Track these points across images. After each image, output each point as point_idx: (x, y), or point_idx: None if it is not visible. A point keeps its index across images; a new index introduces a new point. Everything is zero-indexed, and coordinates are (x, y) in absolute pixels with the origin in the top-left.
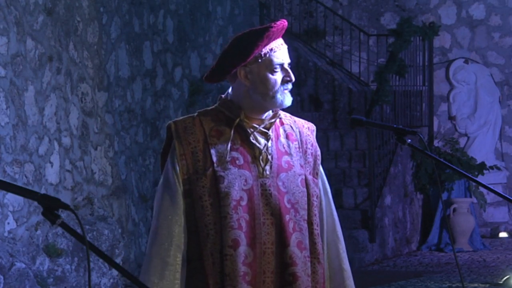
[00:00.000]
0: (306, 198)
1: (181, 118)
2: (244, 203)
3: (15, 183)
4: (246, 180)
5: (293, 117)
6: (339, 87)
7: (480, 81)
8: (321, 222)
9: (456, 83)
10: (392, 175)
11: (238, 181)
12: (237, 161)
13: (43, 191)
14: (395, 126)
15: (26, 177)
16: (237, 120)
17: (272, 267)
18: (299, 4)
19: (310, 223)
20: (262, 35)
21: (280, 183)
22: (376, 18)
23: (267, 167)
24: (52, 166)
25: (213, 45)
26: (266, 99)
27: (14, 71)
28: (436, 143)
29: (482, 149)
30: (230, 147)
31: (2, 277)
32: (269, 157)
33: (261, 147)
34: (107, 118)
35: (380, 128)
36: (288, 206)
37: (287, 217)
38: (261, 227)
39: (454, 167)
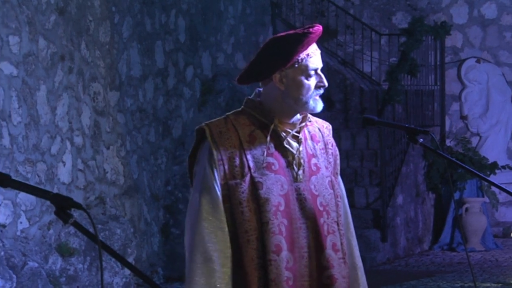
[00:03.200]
0: (334, 200)
1: (213, 121)
2: (282, 208)
3: (27, 182)
4: (282, 185)
5: (312, 117)
6: (350, 87)
7: (492, 80)
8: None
9: (468, 82)
10: (404, 175)
11: (275, 187)
12: (272, 166)
13: (55, 191)
14: (407, 125)
15: (38, 176)
16: (272, 125)
17: (309, 270)
18: (311, 3)
19: (337, 224)
20: (302, 41)
21: (312, 187)
22: (388, 18)
23: (300, 172)
24: (64, 165)
25: (225, 44)
26: (299, 103)
27: (26, 70)
28: (448, 142)
29: (494, 148)
30: (266, 152)
31: (15, 276)
32: (302, 161)
33: (294, 152)
34: (119, 117)
35: (392, 127)
36: (321, 209)
37: (321, 220)
38: (298, 231)
39: (466, 166)
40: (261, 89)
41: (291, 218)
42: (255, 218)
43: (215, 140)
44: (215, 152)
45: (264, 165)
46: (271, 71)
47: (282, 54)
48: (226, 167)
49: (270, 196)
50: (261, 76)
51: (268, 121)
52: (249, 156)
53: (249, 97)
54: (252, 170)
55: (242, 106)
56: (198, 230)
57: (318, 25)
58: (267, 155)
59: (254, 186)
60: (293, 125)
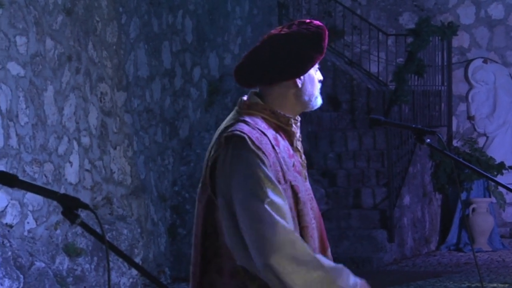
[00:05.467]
0: None
1: (244, 127)
2: (311, 210)
3: (34, 182)
4: (305, 186)
5: None
6: (357, 87)
7: (499, 81)
8: None
9: (475, 83)
10: (411, 175)
11: (303, 188)
12: (296, 168)
13: (62, 191)
14: (414, 126)
15: (45, 176)
16: (291, 128)
17: None
18: (318, 4)
19: None
20: (322, 49)
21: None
22: (395, 18)
23: (305, 170)
24: (71, 165)
25: (232, 45)
26: (312, 99)
27: (33, 71)
28: (455, 143)
29: (501, 149)
30: (289, 154)
31: (22, 276)
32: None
33: (301, 151)
34: (126, 117)
35: (399, 128)
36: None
37: (321, 219)
38: (313, 232)
39: (473, 167)
40: (257, 90)
41: (311, 220)
42: (298, 222)
43: (259, 147)
44: (264, 158)
45: (292, 167)
46: (289, 77)
47: (300, 62)
48: (274, 172)
49: (305, 200)
50: (276, 80)
51: (281, 122)
52: (281, 160)
53: (244, 99)
54: (287, 174)
55: (250, 110)
56: (286, 231)
57: (313, 20)
58: (289, 157)
59: (293, 189)
60: (296, 123)
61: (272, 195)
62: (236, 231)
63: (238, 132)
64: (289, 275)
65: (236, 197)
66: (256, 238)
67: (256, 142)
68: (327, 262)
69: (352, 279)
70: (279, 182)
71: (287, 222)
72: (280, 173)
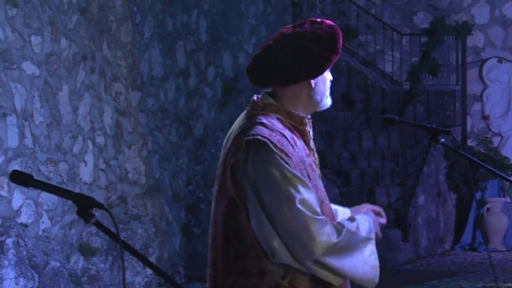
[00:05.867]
0: None
1: (264, 131)
2: (328, 208)
3: (49, 182)
4: (321, 185)
5: None
6: (372, 87)
7: None
8: None
9: (489, 82)
10: (425, 175)
11: (321, 187)
12: (312, 167)
13: (77, 190)
14: (428, 125)
15: (60, 176)
16: (305, 127)
17: None
18: (332, 3)
19: None
20: (338, 49)
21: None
22: (409, 18)
23: (318, 169)
24: (86, 165)
25: (246, 44)
26: (323, 99)
27: (48, 70)
28: (469, 142)
29: None
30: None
31: (37, 275)
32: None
33: (314, 150)
34: (141, 117)
35: (414, 127)
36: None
37: (335, 218)
38: None
39: (487, 166)
40: (269, 90)
41: (328, 218)
42: None
43: (282, 150)
44: (289, 160)
45: (309, 166)
46: (314, 75)
47: (316, 64)
48: (299, 172)
49: (323, 198)
50: (290, 82)
51: (296, 122)
52: (301, 159)
53: (255, 99)
54: (307, 173)
55: (264, 111)
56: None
57: (324, 20)
58: (306, 156)
59: (314, 188)
60: (308, 122)
61: (303, 191)
62: (270, 231)
63: (259, 137)
64: (337, 264)
65: (267, 199)
66: (295, 239)
67: (278, 145)
68: (354, 229)
69: (370, 226)
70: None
71: (319, 215)
72: (305, 171)
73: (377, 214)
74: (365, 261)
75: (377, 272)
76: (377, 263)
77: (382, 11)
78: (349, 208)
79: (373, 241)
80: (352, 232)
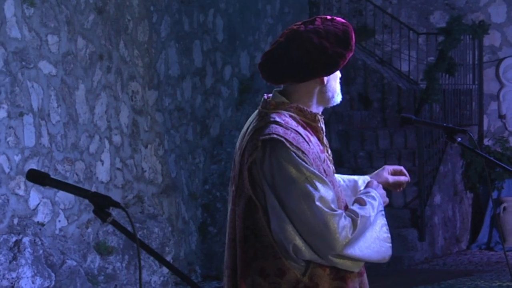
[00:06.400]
0: None
1: (279, 129)
2: (342, 205)
3: (66, 181)
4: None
5: None
6: (388, 86)
7: None
8: None
9: (506, 81)
10: (441, 174)
11: (336, 183)
12: (327, 163)
13: (93, 189)
14: (445, 124)
15: (77, 175)
16: (318, 124)
17: None
18: (349, 2)
19: None
20: (352, 47)
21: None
22: (426, 17)
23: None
24: (102, 164)
25: (263, 43)
26: (334, 95)
27: (65, 69)
28: (486, 141)
29: None
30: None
31: (53, 274)
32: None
33: (328, 146)
34: (157, 116)
35: (430, 126)
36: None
37: None
38: None
39: (504, 165)
40: (281, 88)
41: None
42: None
43: (299, 148)
44: (305, 158)
45: (324, 163)
46: (329, 71)
47: (330, 62)
48: (316, 169)
49: (339, 194)
50: (314, 75)
51: (308, 119)
52: (316, 156)
53: (266, 98)
54: (322, 170)
55: (277, 110)
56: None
57: (335, 17)
58: (320, 152)
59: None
60: (321, 119)
61: (321, 188)
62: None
63: (275, 135)
64: (356, 252)
65: (286, 198)
66: (315, 236)
67: (294, 142)
68: (367, 214)
69: (379, 202)
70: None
71: (336, 210)
72: (321, 168)
73: (399, 173)
74: (377, 236)
75: (389, 243)
76: (388, 234)
77: (399, 10)
78: (369, 175)
79: (382, 213)
80: (366, 217)
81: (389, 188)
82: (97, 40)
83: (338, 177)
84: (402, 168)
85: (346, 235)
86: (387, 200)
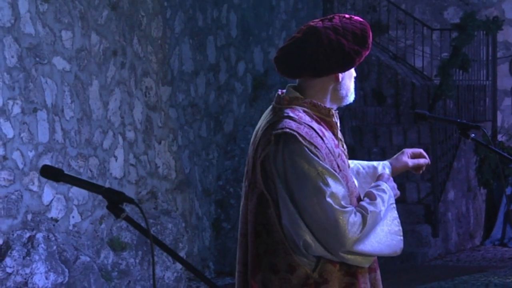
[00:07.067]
0: None
1: (292, 124)
2: (356, 199)
3: (80, 177)
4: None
5: None
6: (402, 82)
7: None
8: None
9: None
10: (455, 170)
11: (350, 178)
12: (342, 157)
13: (107, 185)
14: (458, 120)
15: (90, 171)
16: (332, 119)
17: None
18: None
19: None
20: (369, 45)
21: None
22: (440, 13)
23: (347, 160)
24: (116, 160)
25: (277, 39)
26: (348, 94)
27: (78, 65)
28: (499, 137)
29: None
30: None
31: (67, 270)
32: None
33: (343, 141)
34: (171, 112)
35: (444, 122)
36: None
37: None
38: None
39: None
40: (295, 84)
41: None
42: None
43: (311, 143)
44: (318, 153)
45: (339, 157)
46: (345, 68)
47: (347, 59)
48: (328, 164)
49: (353, 190)
50: (321, 74)
51: (323, 114)
52: (330, 151)
53: (280, 94)
54: (337, 164)
55: (291, 105)
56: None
57: (353, 16)
58: (335, 147)
59: (344, 179)
60: (335, 113)
61: (332, 184)
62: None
63: (287, 130)
64: (367, 248)
65: (298, 193)
66: (326, 232)
67: (307, 137)
68: (377, 209)
69: (389, 195)
70: (334, 171)
71: (347, 207)
72: (334, 163)
73: (418, 155)
74: (389, 230)
75: (400, 236)
76: (400, 227)
77: (413, 6)
78: (389, 160)
79: (393, 206)
80: (376, 213)
81: (411, 171)
82: (111, 36)
83: (357, 164)
84: (421, 150)
85: (356, 231)
86: (398, 192)
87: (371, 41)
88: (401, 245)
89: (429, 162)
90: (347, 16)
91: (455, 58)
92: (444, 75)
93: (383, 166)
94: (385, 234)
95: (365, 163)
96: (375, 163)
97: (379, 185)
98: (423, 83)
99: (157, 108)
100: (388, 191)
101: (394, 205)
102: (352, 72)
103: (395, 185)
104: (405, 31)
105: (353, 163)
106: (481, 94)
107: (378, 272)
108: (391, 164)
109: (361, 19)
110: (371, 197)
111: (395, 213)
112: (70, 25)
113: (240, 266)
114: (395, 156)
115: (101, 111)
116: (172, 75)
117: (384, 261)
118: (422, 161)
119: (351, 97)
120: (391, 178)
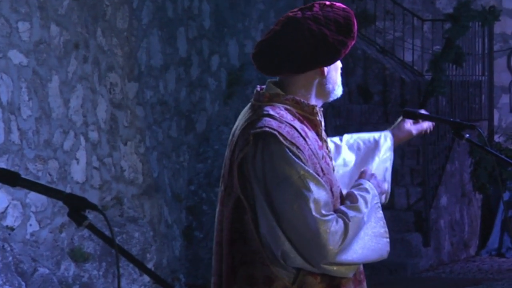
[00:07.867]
0: None
1: (272, 123)
2: (339, 203)
3: (38, 181)
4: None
5: None
6: (390, 77)
7: None
8: None
9: None
10: (448, 173)
11: (335, 181)
12: (326, 160)
13: (68, 190)
14: (452, 119)
15: (50, 175)
16: (316, 117)
17: None
18: None
19: None
20: (354, 34)
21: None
22: (431, 2)
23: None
24: (78, 163)
25: (253, 31)
26: (335, 87)
27: (37, 59)
28: (496, 138)
29: None
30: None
31: (24, 283)
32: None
33: (327, 141)
34: (138, 110)
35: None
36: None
37: None
38: None
39: None
40: (275, 80)
41: None
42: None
43: (293, 143)
44: (300, 154)
45: (321, 159)
46: (330, 61)
47: (331, 52)
48: (311, 166)
49: (337, 194)
50: (313, 65)
51: (306, 112)
52: (313, 152)
53: (259, 90)
54: (320, 167)
55: (271, 102)
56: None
57: (334, 2)
58: (319, 148)
59: (328, 183)
60: (320, 112)
61: (314, 189)
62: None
63: (267, 129)
64: (349, 258)
65: (277, 199)
66: (306, 243)
67: (288, 137)
68: (360, 215)
69: (373, 194)
70: (317, 175)
71: (328, 215)
72: (318, 166)
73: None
74: (373, 232)
75: (386, 238)
76: (385, 229)
77: None
78: (389, 130)
79: (378, 206)
80: (358, 218)
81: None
82: (72, 27)
83: (357, 139)
84: (422, 111)
85: (338, 241)
86: (384, 188)
87: (356, 29)
88: (387, 248)
89: (433, 126)
90: (328, 3)
91: (448, 51)
92: (436, 70)
93: (385, 137)
94: (370, 238)
95: (365, 136)
96: (376, 135)
97: (361, 184)
98: (413, 78)
99: (123, 106)
100: (371, 190)
101: (379, 204)
102: (338, 64)
103: (380, 182)
104: (393, 22)
105: (352, 138)
106: (477, 91)
107: (365, 284)
108: (393, 134)
109: (343, 6)
110: (353, 199)
111: (380, 213)
112: (27, 16)
113: (216, 278)
114: (396, 124)
115: (61, 109)
116: (139, 70)
117: (371, 273)
118: (425, 125)
119: (338, 91)
120: (375, 175)
